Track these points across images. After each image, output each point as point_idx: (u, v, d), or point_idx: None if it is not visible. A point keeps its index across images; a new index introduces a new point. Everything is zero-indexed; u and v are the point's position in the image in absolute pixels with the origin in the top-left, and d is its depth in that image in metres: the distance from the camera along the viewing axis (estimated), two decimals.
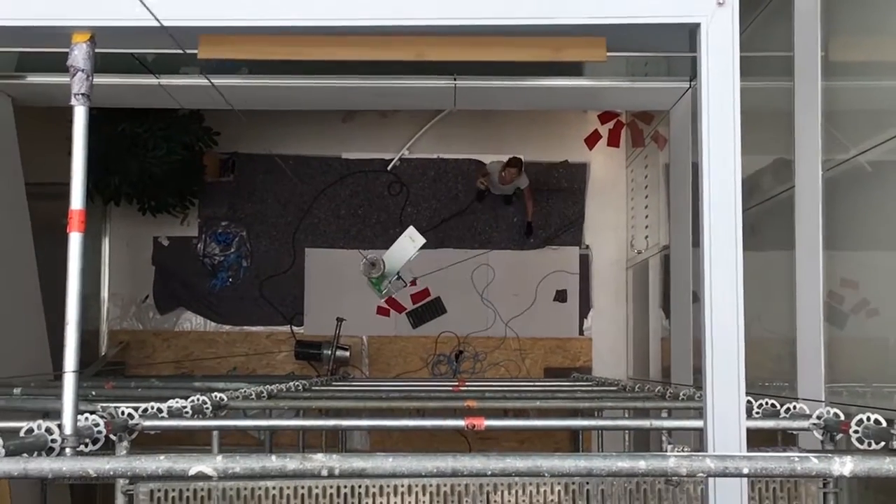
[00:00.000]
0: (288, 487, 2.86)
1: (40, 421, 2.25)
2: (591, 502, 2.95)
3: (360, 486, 2.89)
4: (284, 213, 9.59)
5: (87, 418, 2.51)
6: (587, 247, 9.59)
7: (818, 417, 2.93)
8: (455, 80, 6.40)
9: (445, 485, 2.88)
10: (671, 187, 7.37)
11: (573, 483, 2.94)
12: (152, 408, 3.00)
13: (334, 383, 6.14)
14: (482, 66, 6.05)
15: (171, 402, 3.12)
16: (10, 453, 2.05)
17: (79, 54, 2.25)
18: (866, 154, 3.96)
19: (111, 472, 1.63)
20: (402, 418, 3.36)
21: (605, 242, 9.55)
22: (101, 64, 2.29)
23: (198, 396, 3.38)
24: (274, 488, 2.86)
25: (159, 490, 2.84)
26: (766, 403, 3.22)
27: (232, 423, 3.36)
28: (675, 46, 2.42)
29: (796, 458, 1.59)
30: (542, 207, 9.47)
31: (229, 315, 9.54)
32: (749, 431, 2.19)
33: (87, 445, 2.45)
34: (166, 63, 6.38)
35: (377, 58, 2.48)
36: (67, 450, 2.25)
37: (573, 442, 8.24)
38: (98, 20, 2.25)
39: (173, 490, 2.84)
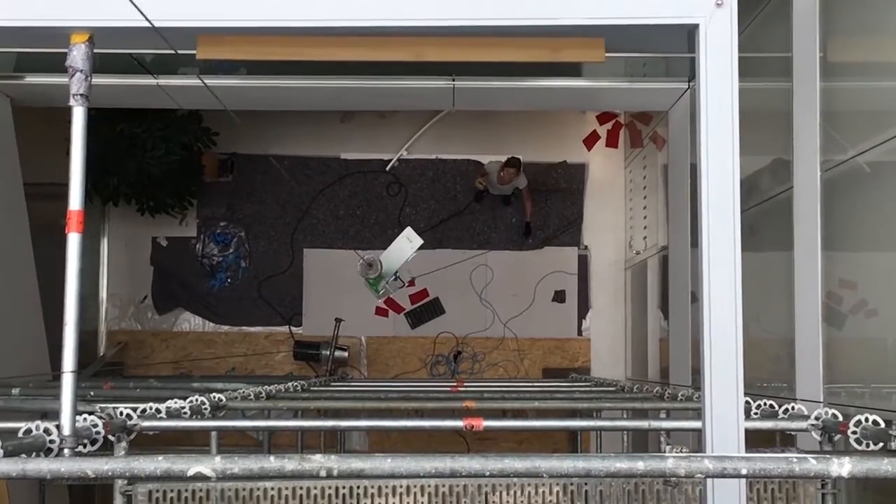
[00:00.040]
0: (286, 488, 2.86)
1: (39, 421, 2.25)
2: (589, 503, 2.95)
3: (358, 487, 2.89)
4: (283, 213, 9.58)
5: (85, 419, 2.50)
6: (586, 247, 9.58)
7: (816, 418, 2.93)
8: (454, 80, 6.39)
9: (444, 485, 2.88)
10: (669, 188, 7.37)
11: (572, 484, 2.94)
12: (151, 408, 3.00)
13: (333, 384, 6.14)
14: (481, 67, 6.04)
15: (170, 403, 3.11)
16: (9, 454, 2.05)
17: (77, 55, 2.25)
18: (865, 155, 3.96)
19: (109, 473, 1.63)
20: (401, 419, 3.36)
21: (603, 243, 9.55)
22: (100, 64, 2.29)
23: (196, 397, 3.38)
24: (272, 489, 2.86)
25: (158, 491, 2.84)
26: (765, 404, 3.22)
27: (230, 423, 3.36)
28: (674, 47, 2.42)
29: (795, 459, 1.58)
30: (541, 208, 9.47)
31: (228, 315, 9.53)
32: (747, 432, 2.19)
33: (85, 446, 2.44)
34: (165, 63, 6.37)
35: (376, 58, 2.48)
36: (66, 450, 2.24)
37: (572, 443, 8.24)
38: (97, 21, 2.24)
39: (172, 491, 2.84)
